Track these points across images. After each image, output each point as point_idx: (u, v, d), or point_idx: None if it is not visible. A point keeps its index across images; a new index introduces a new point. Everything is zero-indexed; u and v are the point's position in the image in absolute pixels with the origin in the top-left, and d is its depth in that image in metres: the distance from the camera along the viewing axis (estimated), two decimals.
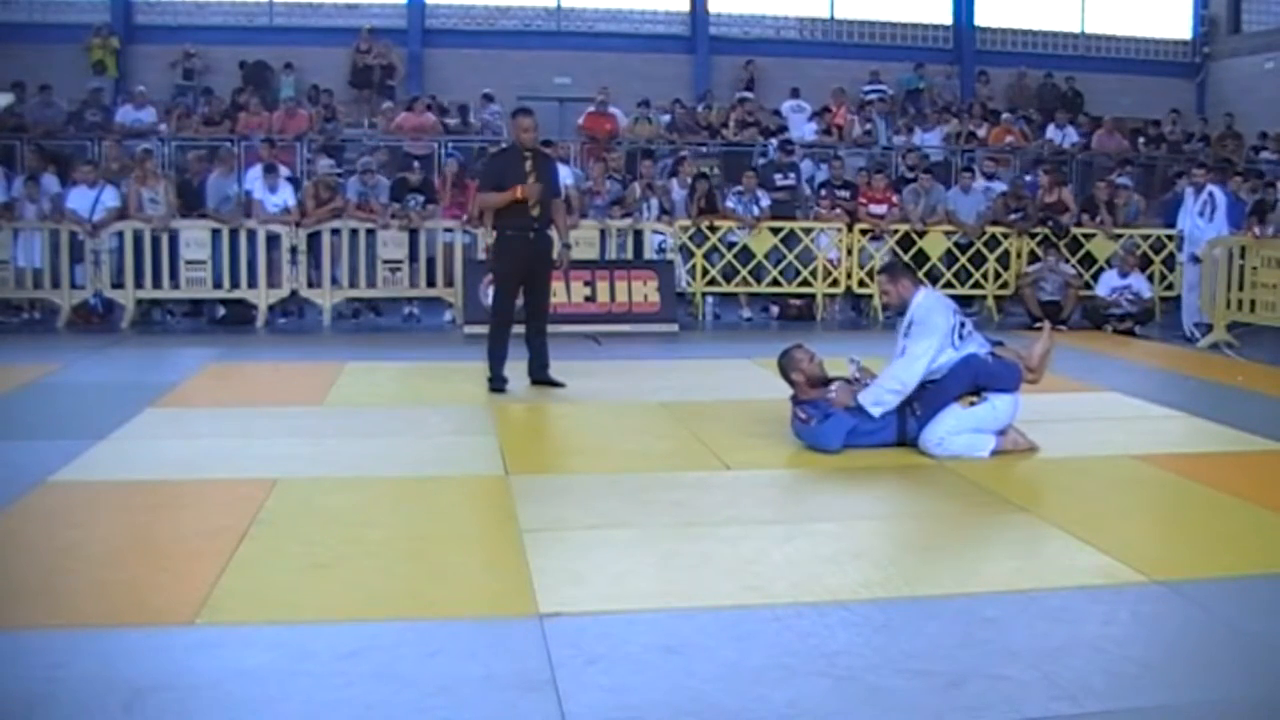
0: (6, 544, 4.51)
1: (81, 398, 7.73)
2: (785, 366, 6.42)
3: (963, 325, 6.21)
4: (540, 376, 8.06)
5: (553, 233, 8.10)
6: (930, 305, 6.24)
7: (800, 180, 13.38)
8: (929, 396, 6.10)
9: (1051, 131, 16.60)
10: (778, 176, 13.18)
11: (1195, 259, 11.53)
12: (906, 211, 12.77)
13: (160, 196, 11.67)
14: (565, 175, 12.63)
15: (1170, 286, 12.84)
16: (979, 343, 6.24)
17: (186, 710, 3.10)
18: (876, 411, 6.09)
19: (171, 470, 5.61)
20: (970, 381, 6.07)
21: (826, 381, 6.35)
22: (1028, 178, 14.11)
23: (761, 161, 14.51)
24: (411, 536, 4.67)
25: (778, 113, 16.69)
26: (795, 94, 17.24)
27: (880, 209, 12.82)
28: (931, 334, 6.10)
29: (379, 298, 12.33)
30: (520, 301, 8.07)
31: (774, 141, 15.02)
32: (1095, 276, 12.54)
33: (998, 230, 12.84)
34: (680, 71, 19.22)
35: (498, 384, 7.88)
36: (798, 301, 12.70)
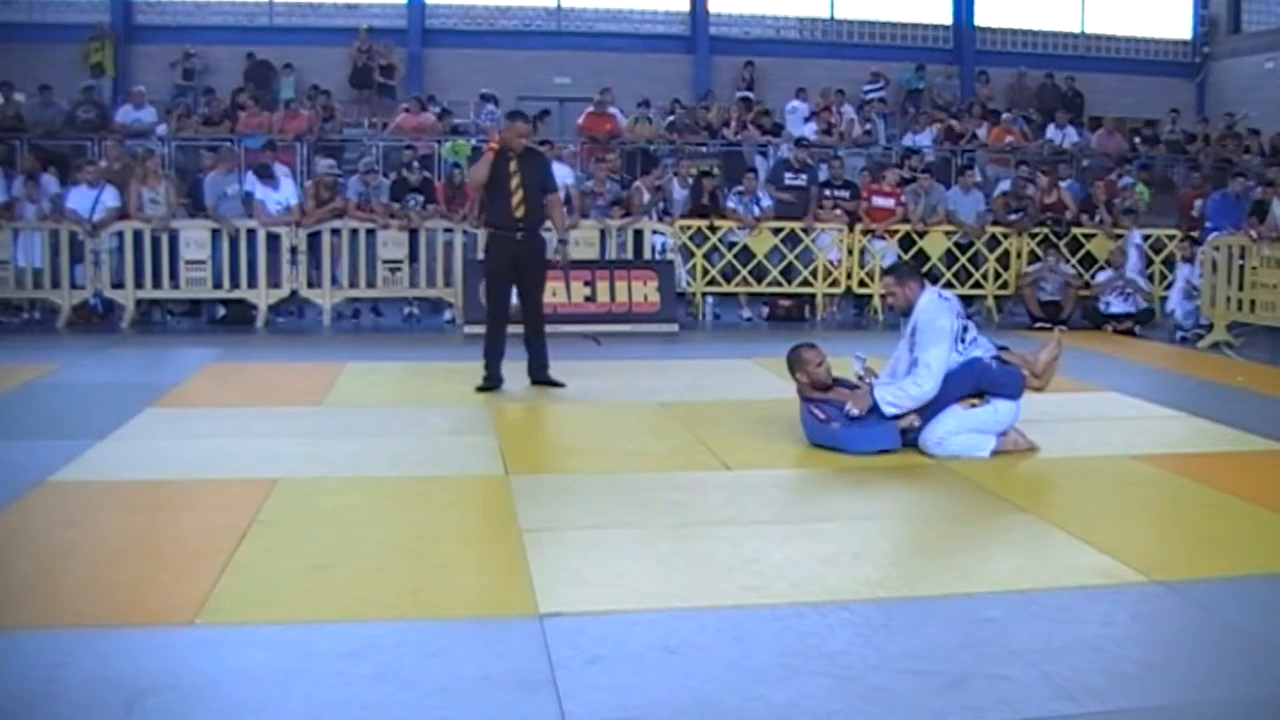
0: (6, 544, 4.51)
1: (81, 398, 7.72)
2: (793, 364, 6.44)
3: (965, 330, 6.17)
4: (540, 377, 8.03)
5: (547, 232, 7.98)
6: (934, 310, 6.16)
7: (815, 181, 13.30)
8: (932, 400, 6.09)
9: (1051, 131, 16.60)
10: (789, 175, 13.10)
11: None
12: (907, 211, 12.77)
13: (161, 196, 11.67)
14: (566, 175, 12.65)
15: (1170, 286, 12.87)
16: (984, 348, 6.21)
17: (186, 710, 3.10)
18: (890, 411, 6.05)
19: (171, 470, 5.61)
20: (972, 386, 6.06)
21: (828, 387, 6.34)
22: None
23: (775, 159, 14.45)
24: (411, 536, 4.67)
25: (768, 113, 16.62)
26: (801, 94, 17.22)
27: (887, 202, 12.80)
28: (940, 340, 6.05)
29: (379, 298, 12.33)
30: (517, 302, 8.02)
31: (780, 141, 14.98)
32: (1095, 277, 12.54)
33: (998, 230, 12.85)
34: (680, 71, 19.23)
35: (488, 383, 7.81)
36: (787, 302, 12.69)
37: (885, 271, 7.18)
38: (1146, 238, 13.02)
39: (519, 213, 7.72)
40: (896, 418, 6.09)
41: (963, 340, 6.12)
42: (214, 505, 5.00)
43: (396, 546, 4.52)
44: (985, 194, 13.41)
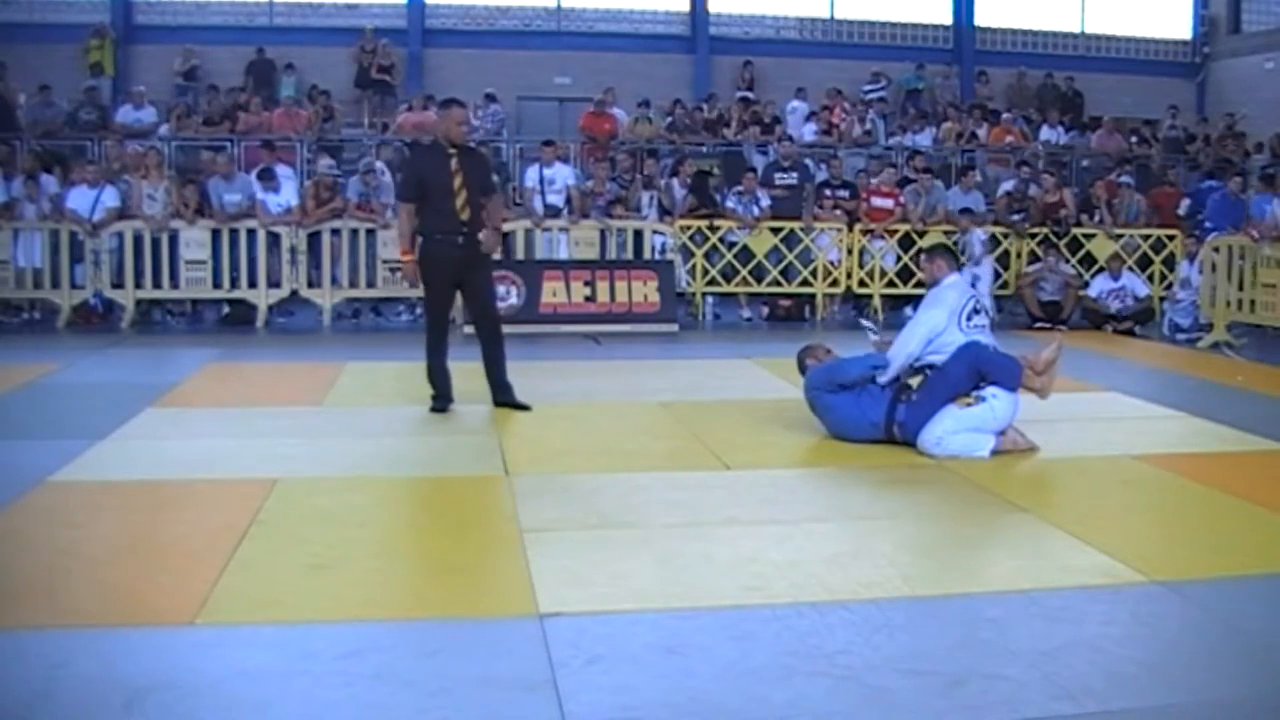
0: (6, 544, 4.51)
1: (81, 398, 7.72)
2: (804, 355, 6.71)
3: (976, 312, 6.43)
4: (503, 399, 7.22)
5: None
6: (948, 284, 6.56)
7: (805, 179, 13.28)
8: (928, 384, 6.16)
9: (1046, 132, 16.59)
10: (779, 176, 13.13)
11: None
12: (905, 211, 12.78)
13: (159, 194, 11.67)
14: (567, 175, 12.66)
15: (1170, 286, 12.88)
16: (988, 337, 6.35)
17: (186, 710, 3.10)
18: (882, 379, 6.32)
19: (171, 470, 5.61)
20: (971, 367, 6.07)
21: None
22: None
23: (765, 161, 14.47)
24: (411, 537, 4.68)
25: (777, 119, 16.62)
26: (800, 94, 17.22)
27: (886, 202, 12.81)
28: (939, 306, 6.39)
29: (379, 298, 12.33)
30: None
31: (772, 140, 15.00)
32: (1095, 278, 12.54)
33: (998, 230, 12.85)
34: (680, 71, 19.22)
35: (439, 404, 7.15)
36: (787, 302, 12.70)
37: (924, 249, 7.62)
38: (1140, 233, 13.01)
39: (464, 216, 6.90)
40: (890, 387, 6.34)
41: (969, 319, 6.33)
42: (214, 505, 5.00)
43: (396, 546, 4.53)
44: (985, 194, 13.43)
